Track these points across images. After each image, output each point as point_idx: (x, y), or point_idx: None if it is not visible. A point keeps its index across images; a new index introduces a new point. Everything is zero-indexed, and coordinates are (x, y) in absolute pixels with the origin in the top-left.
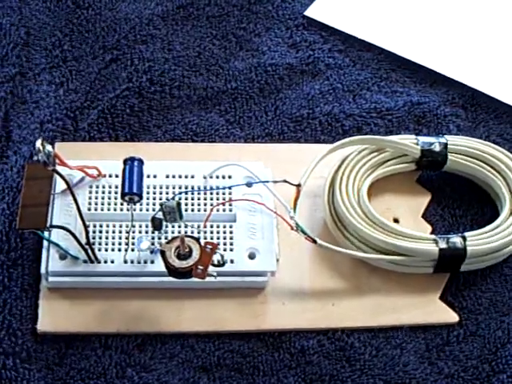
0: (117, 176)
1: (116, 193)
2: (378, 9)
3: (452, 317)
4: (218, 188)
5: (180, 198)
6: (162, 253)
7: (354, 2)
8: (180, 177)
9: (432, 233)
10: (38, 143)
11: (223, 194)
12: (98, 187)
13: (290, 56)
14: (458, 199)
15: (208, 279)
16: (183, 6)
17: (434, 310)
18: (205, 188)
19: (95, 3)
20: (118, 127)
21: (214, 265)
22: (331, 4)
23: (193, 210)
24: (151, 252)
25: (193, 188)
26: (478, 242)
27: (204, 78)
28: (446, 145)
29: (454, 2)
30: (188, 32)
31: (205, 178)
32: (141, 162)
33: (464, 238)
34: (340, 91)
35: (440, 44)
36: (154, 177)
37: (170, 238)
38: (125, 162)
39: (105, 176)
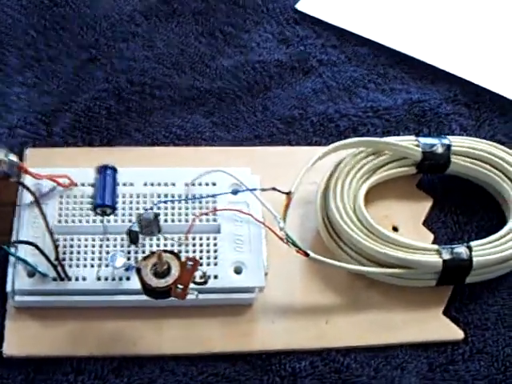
0: (90, 185)
1: (89, 203)
2: (374, 1)
3: (457, 333)
4: (201, 197)
5: (159, 208)
6: (138, 270)
7: None
8: (159, 184)
9: (434, 241)
10: (1, 154)
11: (206, 202)
12: (68, 197)
13: (279, 52)
14: (461, 205)
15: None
16: (167, 2)
17: (437, 326)
18: (186, 197)
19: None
20: (94, 131)
21: (195, 282)
22: None
23: (173, 221)
24: (126, 269)
25: (173, 197)
26: (485, 252)
27: (187, 78)
28: (448, 146)
29: None
30: (172, 29)
31: (187, 185)
32: (114, 170)
33: (470, 248)
34: (334, 89)
35: (440, 38)
36: (131, 185)
37: (147, 252)
38: (97, 170)
39: (76, 185)
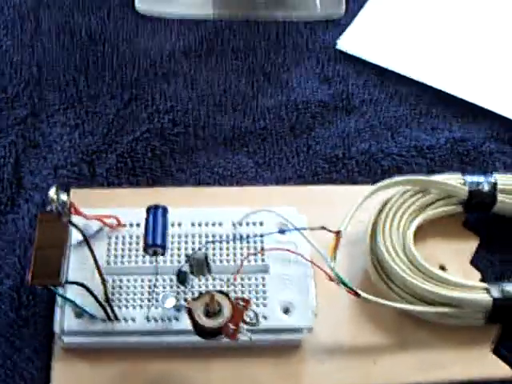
0: (138, 225)
1: (137, 244)
2: (414, 40)
3: (507, 372)
4: (249, 237)
5: (207, 248)
6: (189, 311)
7: (388, 33)
8: (207, 225)
9: (482, 281)
10: (52, 192)
11: (254, 242)
12: (117, 238)
13: (322, 92)
14: (509, 243)
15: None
16: (206, 40)
17: (487, 365)
18: (234, 237)
19: (112, 38)
20: (138, 172)
21: (246, 323)
22: (363, 35)
23: (221, 261)
24: (178, 310)
25: (221, 237)
26: None
27: (230, 117)
28: (494, 184)
29: (496, 34)
30: (212, 68)
31: (234, 225)
32: (165, 210)
33: None
34: (377, 128)
35: (481, 77)
36: (179, 225)
37: (196, 292)
38: (148, 210)
39: (125, 225)
